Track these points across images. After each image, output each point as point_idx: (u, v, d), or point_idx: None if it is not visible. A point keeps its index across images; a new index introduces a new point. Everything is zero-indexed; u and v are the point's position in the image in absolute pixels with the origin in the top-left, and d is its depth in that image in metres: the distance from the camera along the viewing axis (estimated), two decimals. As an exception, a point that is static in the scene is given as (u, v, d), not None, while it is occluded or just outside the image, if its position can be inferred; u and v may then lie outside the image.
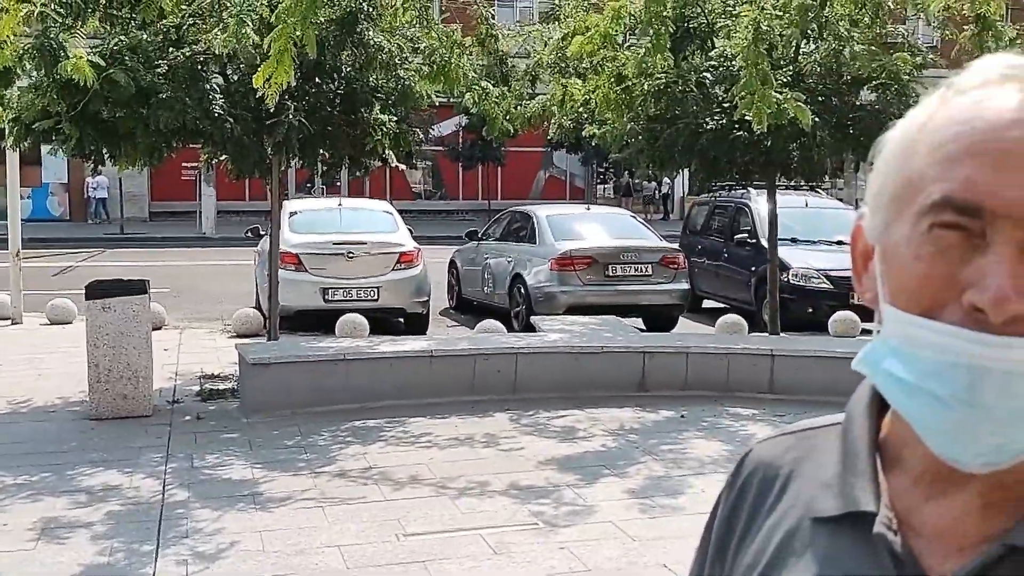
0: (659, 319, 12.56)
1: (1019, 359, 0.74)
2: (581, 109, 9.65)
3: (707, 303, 14.23)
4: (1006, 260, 0.75)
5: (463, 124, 30.78)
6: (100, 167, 9.08)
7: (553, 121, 10.25)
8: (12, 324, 12.29)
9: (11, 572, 4.75)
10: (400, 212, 14.00)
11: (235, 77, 7.96)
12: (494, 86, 8.93)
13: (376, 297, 11.84)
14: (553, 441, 7.17)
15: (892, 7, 9.02)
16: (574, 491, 6.04)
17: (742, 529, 0.98)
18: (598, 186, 35.50)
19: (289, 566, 4.88)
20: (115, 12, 7.36)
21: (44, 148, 9.15)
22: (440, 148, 32.24)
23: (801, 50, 9.17)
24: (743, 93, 7.36)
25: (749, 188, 13.33)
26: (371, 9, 7.40)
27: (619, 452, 6.91)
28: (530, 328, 10.69)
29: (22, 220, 13.28)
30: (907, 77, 8.90)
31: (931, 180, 0.78)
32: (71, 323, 12.04)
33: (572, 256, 12.10)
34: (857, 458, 0.89)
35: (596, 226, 13.14)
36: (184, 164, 25.48)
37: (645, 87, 8.67)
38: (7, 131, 8.03)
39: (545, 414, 7.84)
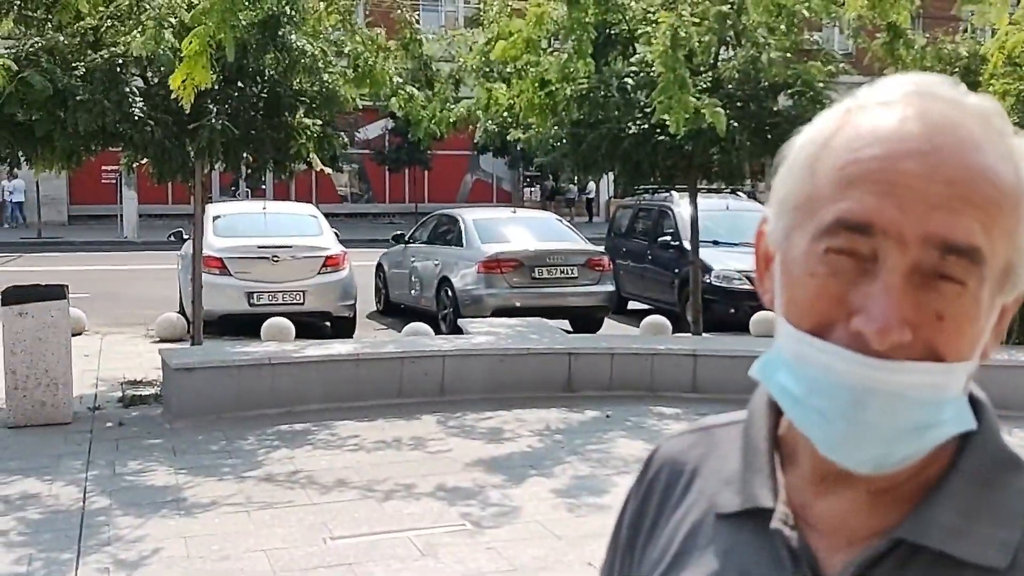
0: (585, 321, 12.69)
1: (901, 382, 0.78)
2: (506, 113, 9.74)
3: (632, 304, 14.37)
4: (893, 290, 0.78)
5: (389, 127, 30.66)
6: (16, 170, 8.88)
7: (478, 125, 10.32)
8: (-76, 332, 11.94)
9: (-74, 584, 4.65)
10: (327, 215, 13.93)
11: (155, 80, 7.87)
12: (419, 90, 8.95)
13: (302, 301, 11.77)
14: (480, 442, 7.22)
15: (808, 15, 9.26)
16: (501, 492, 6.09)
17: (650, 525, 1.01)
18: (525, 189, 35.67)
19: (214, 572, 4.85)
20: (30, 13, 7.23)
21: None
22: (366, 151, 32.10)
23: (720, 57, 9.38)
24: (660, 97, 7.51)
25: (672, 191, 13.54)
26: (294, 13, 7.38)
27: (545, 452, 6.99)
28: (458, 331, 10.72)
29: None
30: (821, 84, 9.16)
31: (828, 200, 0.81)
32: (-13, 330, 11.73)
33: (499, 259, 12.17)
34: (756, 455, 0.93)
35: (522, 229, 13.22)
36: (104, 167, 24.94)
37: (568, 92, 8.78)
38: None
39: (472, 416, 7.89)
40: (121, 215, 25.93)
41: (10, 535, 5.28)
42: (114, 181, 26.10)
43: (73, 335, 10.85)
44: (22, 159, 8.38)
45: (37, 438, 7.22)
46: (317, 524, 5.49)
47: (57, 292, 7.74)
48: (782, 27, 8.93)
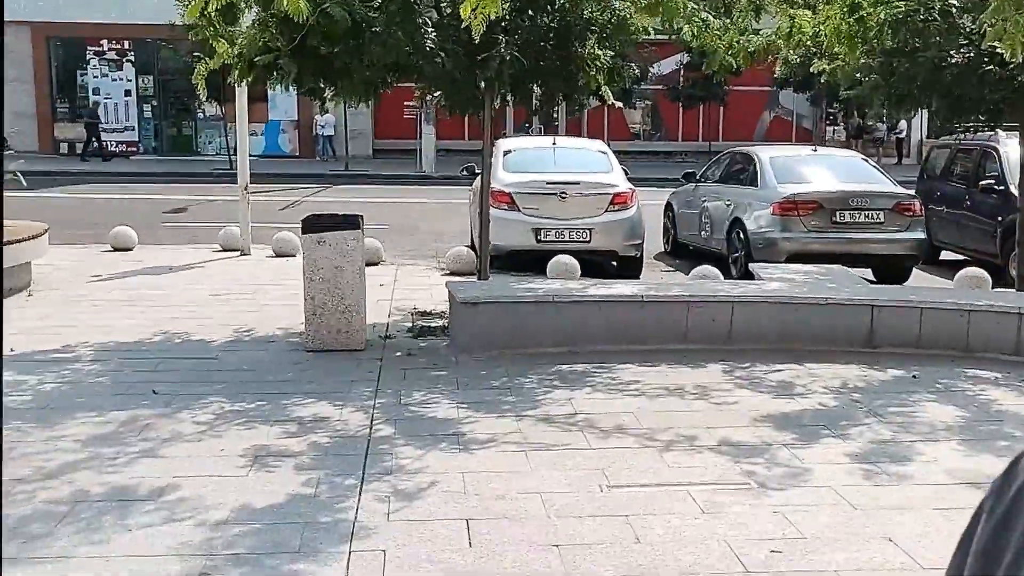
0: (891, 270, 11.75)
1: None
2: (810, 43, 8.98)
3: (945, 255, 13.25)
4: None
5: (684, 62, 29.92)
6: (327, 105, 9.20)
7: (779, 56, 9.62)
8: (240, 255, 12.89)
9: (224, 496, 4.86)
10: (617, 152, 13.68)
11: (448, 10, 7.83)
12: (714, 18, 8.41)
13: (588, 239, 11.62)
14: (768, 396, 6.76)
15: None
16: (790, 451, 5.65)
17: (1011, 561, 0.71)
18: (828, 128, 33.78)
19: (490, 511, 4.76)
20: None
21: (270, 86, 9.33)
22: (660, 87, 31.53)
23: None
24: (992, 19, 6.56)
25: (998, 130, 12.22)
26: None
27: (840, 412, 6.44)
28: (748, 276, 10.20)
29: (255, 156, 13.87)
30: None
31: None
32: (295, 256, 12.46)
33: (796, 200, 11.45)
34: None
35: (823, 169, 12.38)
36: (406, 103, 26.03)
37: (881, 17, 7.93)
38: (232, 66, 8.22)
39: (761, 367, 7.43)
40: (420, 149, 26.96)
41: (301, 457, 5.45)
42: (415, 116, 27.17)
43: (370, 265, 11.34)
44: (324, 92, 8.64)
45: (332, 363, 7.50)
46: (595, 471, 5.29)
47: (353, 222, 7.96)
48: None
